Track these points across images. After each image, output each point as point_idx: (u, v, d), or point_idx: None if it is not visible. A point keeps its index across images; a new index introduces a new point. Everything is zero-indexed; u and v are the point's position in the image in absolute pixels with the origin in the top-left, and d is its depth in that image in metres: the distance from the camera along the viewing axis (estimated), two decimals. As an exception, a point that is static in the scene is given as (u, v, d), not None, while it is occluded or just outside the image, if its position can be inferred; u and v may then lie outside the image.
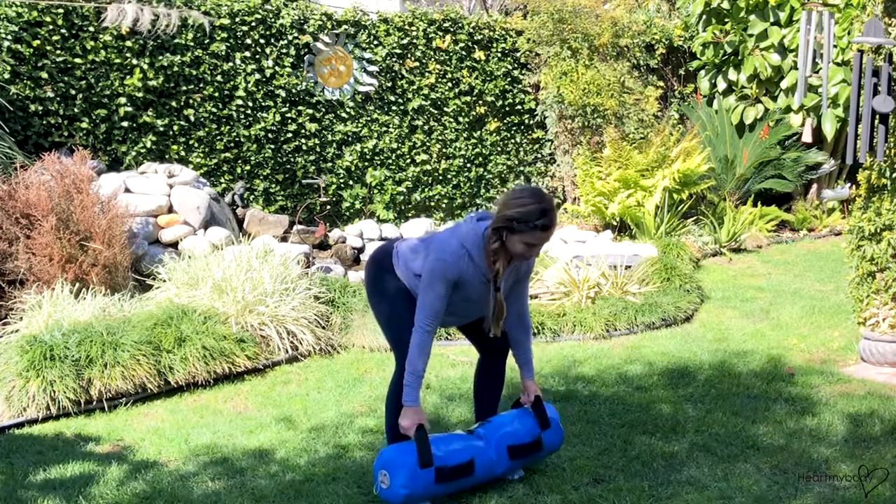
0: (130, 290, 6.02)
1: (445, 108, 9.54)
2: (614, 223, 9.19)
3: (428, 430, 3.32)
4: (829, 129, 9.42)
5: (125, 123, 7.77)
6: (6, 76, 7.16)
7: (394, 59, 9.21)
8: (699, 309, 6.55)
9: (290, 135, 8.66)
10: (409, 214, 9.40)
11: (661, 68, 10.62)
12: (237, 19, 8.28)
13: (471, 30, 9.64)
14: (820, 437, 4.00)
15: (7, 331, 5.21)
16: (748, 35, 9.82)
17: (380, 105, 9.21)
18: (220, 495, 3.52)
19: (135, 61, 7.76)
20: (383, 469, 3.28)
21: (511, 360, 3.71)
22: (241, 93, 8.31)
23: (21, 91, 7.25)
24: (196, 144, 8.16)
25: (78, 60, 7.51)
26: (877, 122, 4.71)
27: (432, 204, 9.57)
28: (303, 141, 8.74)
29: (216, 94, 8.22)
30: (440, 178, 9.58)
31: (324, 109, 8.89)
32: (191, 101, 8.09)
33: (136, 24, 7.07)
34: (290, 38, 8.58)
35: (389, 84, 9.23)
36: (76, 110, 7.53)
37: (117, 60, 7.69)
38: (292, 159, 8.72)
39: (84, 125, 7.57)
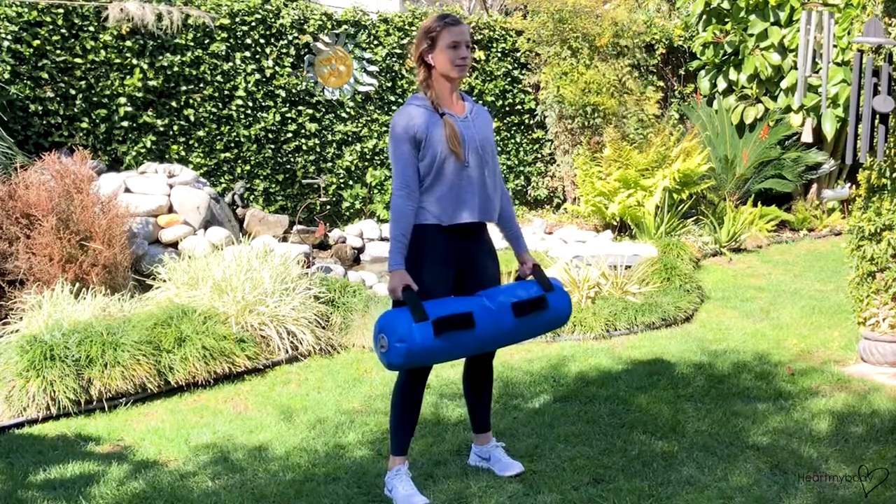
0: (130, 290, 6.02)
1: (445, 108, 9.54)
2: (614, 223, 9.19)
3: (415, 290, 3.21)
4: (829, 129, 9.42)
5: (125, 123, 7.77)
6: (6, 76, 7.16)
7: (394, 59, 9.21)
8: (699, 309, 6.55)
9: (290, 135, 8.66)
10: (409, 214, 9.40)
11: (661, 68, 10.63)
12: (237, 19, 8.28)
13: (471, 30, 9.64)
14: (820, 437, 4.00)
15: (7, 331, 5.22)
16: (748, 35, 9.82)
17: (380, 105, 9.21)
18: (220, 495, 3.52)
19: (135, 61, 7.76)
20: (381, 333, 3.18)
21: (503, 357, 3.70)
22: (241, 93, 8.31)
23: (21, 91, 7.25)
24: (196, 144, 8.16)
25: (78, 60, 7.51)
26: (877, 121, 4.71)
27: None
28: (303, 141, 8.74)
29: (216, 94, 8.22)
30: (440, 178, 9.58)
31: (324, 109, 8.89)
32: (191, 101, 8.09)
33: (141, 22, 7.08)
34: (290, 38, 8.59)
35: (389, 84, 9.23)
36: (76, 110, 7.54)
37: (117, 60, 7.69)
38: (292, 159, 8.72)
39: (84, 125, 7.57)
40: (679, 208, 9.01)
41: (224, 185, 8.31)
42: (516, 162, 10.07)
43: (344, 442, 4.12)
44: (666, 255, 7.45)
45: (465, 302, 3.30)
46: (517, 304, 3.36)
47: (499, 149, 9.90)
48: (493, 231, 3.62)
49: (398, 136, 3.30)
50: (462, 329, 3.20)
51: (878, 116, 4.70)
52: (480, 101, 9.72)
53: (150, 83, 7.82)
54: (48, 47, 7.38)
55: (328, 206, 8.93)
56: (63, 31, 7.45)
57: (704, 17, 10.13)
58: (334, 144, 8.96)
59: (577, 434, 4.07)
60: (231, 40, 8.27)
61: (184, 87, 8.05)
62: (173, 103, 8.01)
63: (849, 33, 8.97)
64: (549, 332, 3.84)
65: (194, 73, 8.09)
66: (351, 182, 9.10)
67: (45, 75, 7.35)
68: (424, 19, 9.29)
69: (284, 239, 8.01)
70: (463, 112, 3.42)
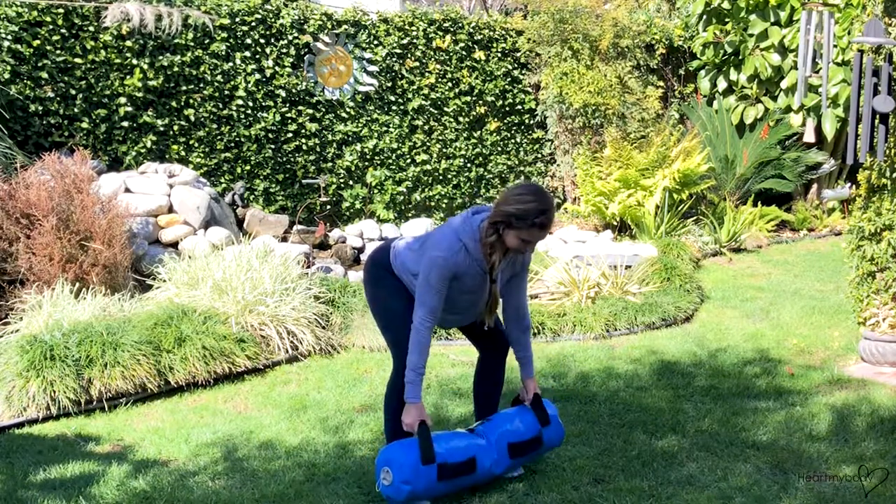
0: (130, 290, 6.02)
1: (445, 108, 9.54)
2: (614, 223, 9.19)
3: (430, 426, 3.32)
4: (829, 129, 9.42)
5: (125, 123, 7.77)
6: (6, 76, 7.16)
7: (394, 59, 9.21)
8: (699, 309, 6.55)
9: (290, 135, 8.66)
10: (410, 214, 9.41)
11: (661, 68, 10.62)
12: (237, 19, 8.28)
13: (471, 30, 9.64)
14: (820, 436, 4.00)
15: (7, 331, 5.22)
16: (748, 35, 9.82)
17: (380, 105, 9.21)
18: (220, 495, 3.52)
19: (135, 61, 7.76)
20: (385, 466, 3.27)
21: (511, 359, 3.71)
22: (241, 93, 8.31)
23: (21, 91, 7.25)
24: (196, 144, 8.16)
25: (78, 60, 7.51)
26: (877, 121, 4.71)
27: (432, 204, 9.57)
28: (303, 141, 8.74)
29: (216, 94, 8.22)
30: (440, 178, 9.59)
31: (324, 109, 8.89)
32: (191, 101, 8.09)
33: (140, 23, 7.07)
34: (290, 38, 8.58)
35: (389, 84, 9.23)
36: (76, 110, 7.53)
37: (117, 60, 7.69)
38: (292, 159, 8.72)
39: (84, 125, 7.57)
40: (679, 208, 9.01)
41: (224, 185, 8.30)
42: (516, 162, 10.07)
43: (344, 442, 4.12)
44: (666, 255, 7.45)
45: (467, 443, 3.41)
46: (514, 446, 3.48)
47: (499, 149, 9.91)
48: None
49: (442, 272, 3.25)
50: (463, 475, 3.35)
51: (878, 116, 4.70)
52: (480, 101, 9.73)
53: (150, 83, 7.82)
54: (48, 47, 7.38)
55: (328, 206, 8.93)
56: (63, 31, 7.45)
57: (704, 17, 10.13)
58: (334, 144, 8.96)
59: (577, 434, 4.07)
60: (231, 40, 8.27)
61: (184, 87, 8.04)
62: (173, 103, 8.01)
63: (849, 33, 8.97)
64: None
65: (194, 73, 8.08)
66: (351, 182, 9.10)
67: (45, 75, 7.35)
68: (425, 19, 9.35)
69: (284, 239, 8.01)
70: (501, 261, 3.38)
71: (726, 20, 10.00)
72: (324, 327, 5.78)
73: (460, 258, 3.26)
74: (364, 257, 8.43)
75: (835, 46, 8.91)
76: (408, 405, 3.30)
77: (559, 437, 3.66)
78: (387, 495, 3.30)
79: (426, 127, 9.45)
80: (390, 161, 9.26)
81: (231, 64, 8.27)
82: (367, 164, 9.17)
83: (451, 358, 5.42)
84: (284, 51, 8.56)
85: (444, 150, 9.57)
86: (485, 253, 3.29)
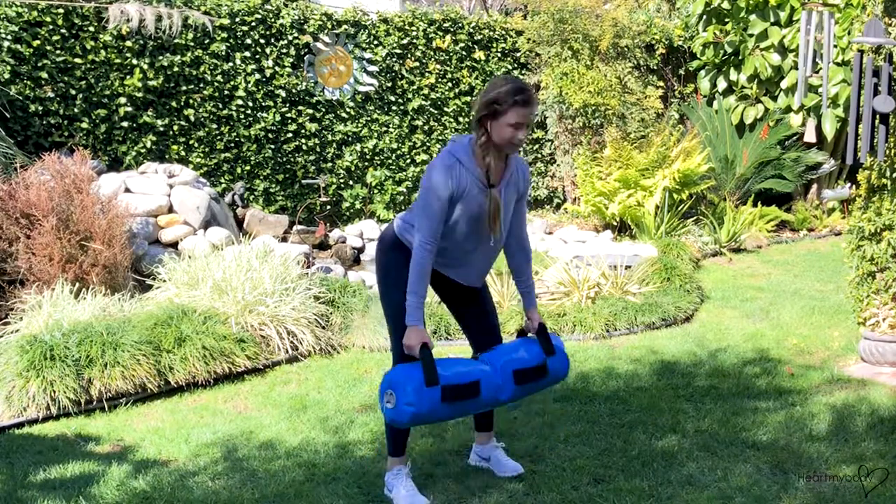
0: (130, 290, 6.02)
1: (445, 108, 9.54)
2: (614, 223, 9.19)
3: (432, 347, 3.27)
4: (829, 129, 9.42)
5: (125, 123, 7.77)
6: (6, 76, 7.16)
7: (394, 59, 9.21)
8: (699, 309, 6.55)
9: (290, 135, 8.66)
10: (410, 214, 9.40)
11: (661, 68, 10.62)
12: (237, 19, 8.28)
13: (471, 30, 9.64)
14: (820, 436, 4.00)
15: (7, 331, 5.22)
16: (748, 35, 9.82)
17: (380, 105, 9.21)
18: (220, 495, 3.52)
19: (135, 61, 7.76)
20: (389, 389, 3.21)
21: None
22: (241, 93, 8.31)
23: (21, 91, 7.25)
24: (196, 144, 8.16)
25: (78, 60, 7.51)
26: (877, 122, 4.71)
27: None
28: (303, 141, 8.74)
29: (216, 94, 8.22)
30: (440, 178, 9.57)
31: (324, 109, 8.89)
32: (191, 101, 8.09)
33: (140, 24, 7.07)
34: (290, 38, 8.59)
35: (389, 84, 9.23)
36: (76, 110, 7.54)
37: (117, 60, 7.69)
38: (292, 159, 8.72)
39: (84, 125, 7.57)
40: (679, 208, 9.01)
41: (224, 185, 8.31)
42: (516, 162, 10.06)
43: (344, 442, 4.12)
44: (666, 255, 7.45)
45: (472, 367, 3.37)
46: (519, 373, 3.43)
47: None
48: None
49: (439, 191, 3.22)
50: (467, 398, 3.29)
51: (878, 116, 4.70)
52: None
53: (150, 83, 7.82)
54: (48, 47, 7.38)
55: (328, 206, 8.93)
56: (63, 31, 7.45)
57: (704, 17, 10.14)
58: (334, 144, 8.96)
59: (578, 434, 4.07)
60: (231, 40, 8.27)
61: (184, 87, 8.05)
62: (173, 103, 8.01)
63: (849, 33, 8.97)
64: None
65: (194, 73, 8.09)
66: (351, 182, 9.10)
67: (45, 75, 7.35)
68: (425, 19, 9.35)
69: (284, 239, 8.01)
70: (500, 177, 3.35)
71: (726, 20, 10.00)
72: (324, 327, 5.78)
73: (456, 173, 3.24)
74: (364, 257, 8.44)
75: (835, 46, 8.91)
76: (409, 329, 3.26)
77: (564, 367, 3.60)
78: (391, 418, 3.24)
79: (426, 127, 9.46)
80: (390, 161, 9.26)
81: (231, 64, 8.28)
82: (367, 164, 9.17)
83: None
84: (284, 51, 8.57)
85: (444, 150, 9.56)
86: (480, 161, 3.27)
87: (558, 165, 10.11)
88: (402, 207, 9.34)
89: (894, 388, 4.65)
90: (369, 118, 9.14)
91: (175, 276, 5.87)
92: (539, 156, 10.25)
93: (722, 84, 10.21)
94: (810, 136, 9.66)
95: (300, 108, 8.71)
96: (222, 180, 8.31)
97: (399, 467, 3.46)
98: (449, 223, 3.29)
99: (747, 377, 4.89)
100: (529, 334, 3.60)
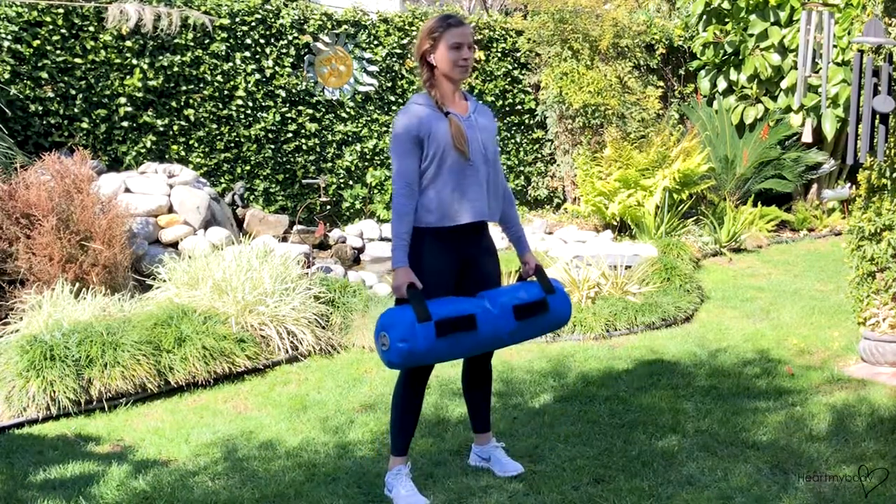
0: (130, 290, 6.02)
1: (445, 108, 9.54)
2: (614, 223, 9.19)
3: (419, 288, 3.22)
4: (829, 129, 9.42)
5: (125, 123, 7.77)
6: (6, 76, 7.16)
7: (394, 59, 9.21)
8: (699, 309, 6.55)
9: (290, 135, 8.66)
10: (410, 214, 9.39)
11: (661, 68, 10.62)
12: (237, 19, 8.28)
13: (472, 30, 9.63)
14: (820, 436, 4.00)
15: (7, 331, 5.22)
16: (748, 35, 9.82)
17: (380, 105, 9.21)
18: (220, 495, 3.52)
19: (135, 61, 7.76)
20: (382, 331, 3.16)
21: (503, 357, 3.70)
22: (241, 93, 8.31)
23: (21, 91, 7.25)
24: (196, 144, 8.16)
25: (78, 60, 7.51)
26: (877, 122, 4.71)
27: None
28: (303, 141, 8.74)
29: (216, 94, 8.22)
30: (440, 178, 9.58)
31: (324, 109, 8.89)
32: (191, 101, 8.09)
33: (138, 24, 7.07)
34: (290, 38, 8.59)
35: (389, 84, 9.23)
36: (76, 110, 7.54)
37: (117, 60, 7.69)
38: (292, 159, 8.72)
39: (84, 125, 7.57)
40: (679, 208, 9.01)
41: (224, 185, 8.31)
42: (516, 162, 10.07)
43: (344, 442, 4.12)
44: (666, 255, 7.45)
45: (468, 303, 3.30)
46: (518, 307, 3.37)
47: (499, 148, 9.89)
48: (494, 231, 3.63)
49: (401, 134, 3.29)
50: (464, 331, 3.21)
51: (878, 116, 4.70)
52: (481, 101, 9.71)
53: (150, 83, 7.82)
54: (48, 47, 7.38)
55: (328, 206, 8.93)
56: (63, 31, 7.45)
57: (704, 17, 10.14)
58: (334, 144, 8.96)
59: (578, 434, 4.07)
60: (231, 40, 8.27)
61: (184, 87, 8.05)
62: (173, 103, 8.01)
63: (849, 33, 8.97)
64: (549, 332, 3.87)
65: (194, 73, 8.09)
66: (351, 182, 9.10)
67: (45, 75, 7.35)
68: (425, 19, 9.34)
69: (284, 239, 8.01)
70: (466, 111, 3.43)
71: (726, 20, 10.01)
72: (324, 327, 5.78)
73: (414, 111, 3.32)
74: (364, 257, 8.44)
75: (835, 46, 8.91)
76: (395, 270, 3.26)
77: (566, 308, 3.55)
78: (388, 360, 3.17)
79: (426, 127, 9.45)
80: (390, 161, 9.25)
81: (231, 64, 8.28)
82: (367, 164, 9.17)
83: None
84: (284, 51, 8.57)
85: (444, 150, 9.56)
86: (435, 97, 3.35)
87: (558, 165, 10.12)
88: (402, 207, 9.33)
89: (894, 388, 4.65)
90: (369, 118, 9.14)
91: (175, 276, 5.87)
92: (539, 156, 10.24)
93: (722, 84, 10.21)
94: (808, 137, 9.66)
95: (300, 108, 8.71)
96: (222, 180, 8.31)
97: (400, 467, 3.46)
98: (428, 167, 3.31)
99: (747, 377, 4.89)
100: (528, 279, 3.57)
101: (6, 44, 7.17)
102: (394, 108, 9.25)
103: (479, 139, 3.40)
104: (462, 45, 3.34)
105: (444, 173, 3.32)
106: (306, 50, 8.72)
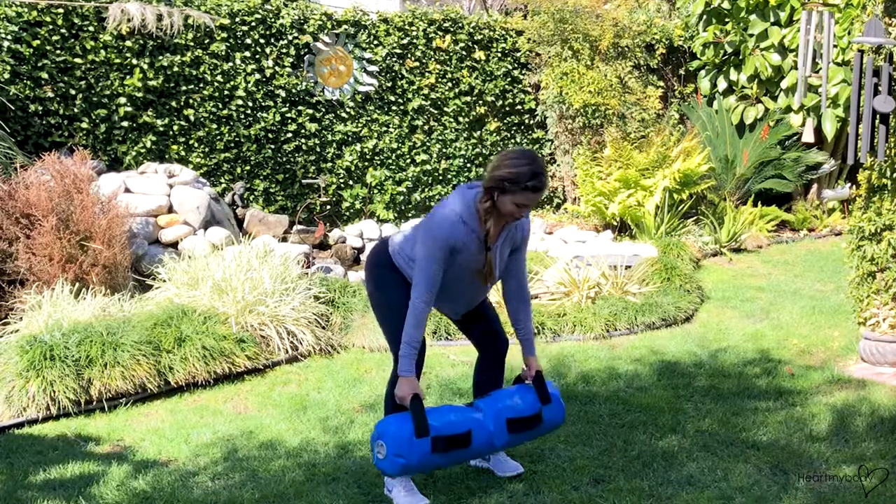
0: (130, 290, 6.02)
1: (445, 108, 9.54)
2: (614, 223, 9.19)
3: (423, 398, 3.30)
4: (829, 129, 9.41)
5: (125, 123, 7.77)
6: (6, 76, 7.16)
7: (394, 59, 9.21)
8: (699, 309, 6.55)
9: (290, 135, 8.66)
10: (410, 214, 9.40)
11: (661, 68, 10.62)
12: (237, 19, 8.28)
13: (471, 30, 9.64)
14: (820, 436, 4.00)
15: (7, 331, 5.21)
16: (748, 35, 9.82)
17: (380, 105, 9.21)
18: (220, 495, 3.52)
19: (135, 61, 7.76)
20: (379, 440, 3.26)
21: (511, 356, 3.71)
22: (241, 93, 8.31)
23: (21, 91, 7.25)
24: (196, 144, 8.16)
25: (78, 60, 7.51)
26: (877, 121, 4.71)
27: (432, 204, 9.56)
28: (303, 141, 8.74)
29: (216, 94, 8.22)
30: (440, 178, 9.59)
31: (324, 109, 8.89)
32: (191, 101, 8.09)
33: (140, 24, 7.07)
34: (290, 38, 8.58)
35: (389, 84, 9.23)
36: (76, 110, 7.53)
37: (117, 60, 7.69)
38: (292, 159, 8.72)
39: (84, 125, 7.57)
40: (679, 208, 9.01)
41: (224, 185, 8.30)
42: (516, 162, 10.05)
43: (344, 442, 4.12)
44: (666, 255, 7.45)
45: (463, 416, 3.38)
46: (512, 422, 3.44)
47: (499, 149, 9.90)
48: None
49: (439, 245, 3.26)
50: (459, 448, 3.32)
51: (878, 116, 4.70)
52: (480, 101, 9.73)
53: (150, 83, 7.82)
54: (48, 47, 7.38)
55: (328, 206, 8.93)
56: (63, 31, 7.45)
57: (704, 17, 10.13)
58: (334, 144, 8.96)
59: (578, 434, 4.07)
60: (231, 40, 8.27)
61: (184, 87, 8.04)
62: (173, 103, 8.01)
63: (849, 33, 8.97)
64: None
65: (194, 73, 8.08)
66: (351, 182, 9.10)
67: (45, 75, 7.35)
68: (425, 19, 9.35)
69: (284, 239, 8.01)
70: (495, 239, 3.39)
71: (726, 20, 10.00)
72: (324, 327, 5.78)
73: (458, 230, 3.28)
74: (364, 257, 8.45)
75: (835, 46, 8.91)
76: (401, 379, 3.30)
77: (560, 416, 3.61)
78: (382, 468, 3.29)
79: (426, 127, 9.45)
80: (390, 161, 9.25)
81: (231, 64, 8.27)
82: (367, 164, 9.17)
83: (452, 358, 5.42)
84: (284, 51, 8.56)
85: (444, 151, 9.57)
86: (481, 223, 3.31)
87: (558, 165, 10.11)
88: (402, 207, 9.34)
89: (894, 388, 4.65)
90: (369, 118, 9.14)
91: (175, 276, 5.87)
92: (539, 156, 10.24)
93: (722, 84, 10.20)
94: (808, 137, 9.64)
95: (300, 108, 8.71)
96: (222, 180, 8.31)
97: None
98: (445, 270, 3.32)
99: (747, 377, 4.89)
100: (527, 381, 3.61)
101: (6, 44, 7.16)
102: (393, 107, 9.25)
103: (497, 266, 3.44)
104: (528, 206, 3.29)
105: (452, 278, 3.36)
106: (306, 50, 8.72)
